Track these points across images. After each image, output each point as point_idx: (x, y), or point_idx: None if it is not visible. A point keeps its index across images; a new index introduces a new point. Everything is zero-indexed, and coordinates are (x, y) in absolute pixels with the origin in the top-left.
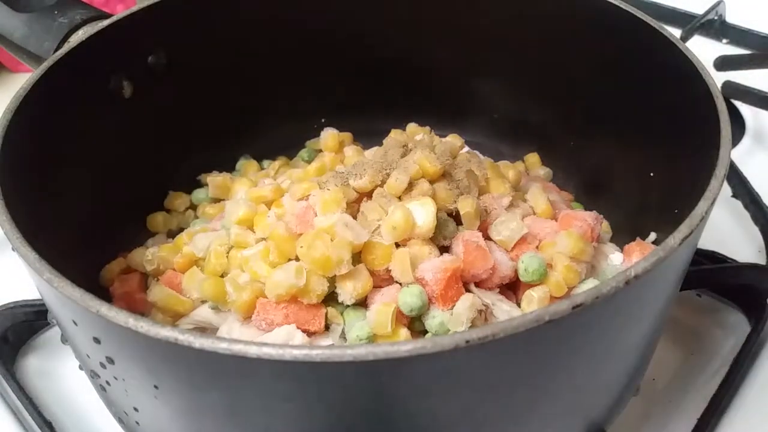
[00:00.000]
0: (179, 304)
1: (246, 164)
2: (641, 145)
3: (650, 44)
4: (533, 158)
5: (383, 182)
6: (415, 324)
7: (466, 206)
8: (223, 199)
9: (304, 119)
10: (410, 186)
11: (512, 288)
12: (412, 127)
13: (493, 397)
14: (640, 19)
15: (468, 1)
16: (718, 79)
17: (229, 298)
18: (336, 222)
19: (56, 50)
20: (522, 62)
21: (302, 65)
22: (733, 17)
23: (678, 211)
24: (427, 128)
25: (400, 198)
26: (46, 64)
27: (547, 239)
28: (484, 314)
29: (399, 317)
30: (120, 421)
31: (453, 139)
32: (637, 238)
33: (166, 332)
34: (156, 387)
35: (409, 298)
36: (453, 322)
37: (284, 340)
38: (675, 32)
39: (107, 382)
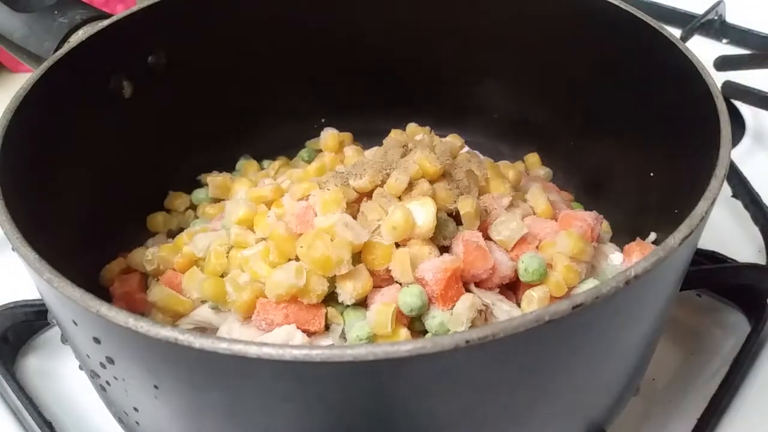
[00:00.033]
0: (179, 304)
1: (246, 164)
2: (641, 145)
3: (650, 44)
4: (533, 158)
5: (383, 182)
6: (415, 324)
7: (466, 206)
8: (223, 199)
9: (304, 119)
10: (410, 186)
11: (512, 288)
12: (412, 127)
13: (493, 397)
14: (640, 19)
15: (468, 1)
16: (718, 79)
17: (229, 298)
18: (336, 222)
19: (56, 50)
20: (522, 62)
21: (302, 65)
22: (733, 17)
23: (678, 211)
24: (427, 128)
25: (400, 198)
26: (46, 64)
27: (547, 239)
28: (484, 314)
29: (399, 317)
30: (120, 421)
31: (453, 139)
32: (637, 238)
33: (166, 332)
34: (156, 387)
35: (409, 298)
36: (453, 322)
37: (284, 340)
38: (675, 32)
39: (107, 382)
